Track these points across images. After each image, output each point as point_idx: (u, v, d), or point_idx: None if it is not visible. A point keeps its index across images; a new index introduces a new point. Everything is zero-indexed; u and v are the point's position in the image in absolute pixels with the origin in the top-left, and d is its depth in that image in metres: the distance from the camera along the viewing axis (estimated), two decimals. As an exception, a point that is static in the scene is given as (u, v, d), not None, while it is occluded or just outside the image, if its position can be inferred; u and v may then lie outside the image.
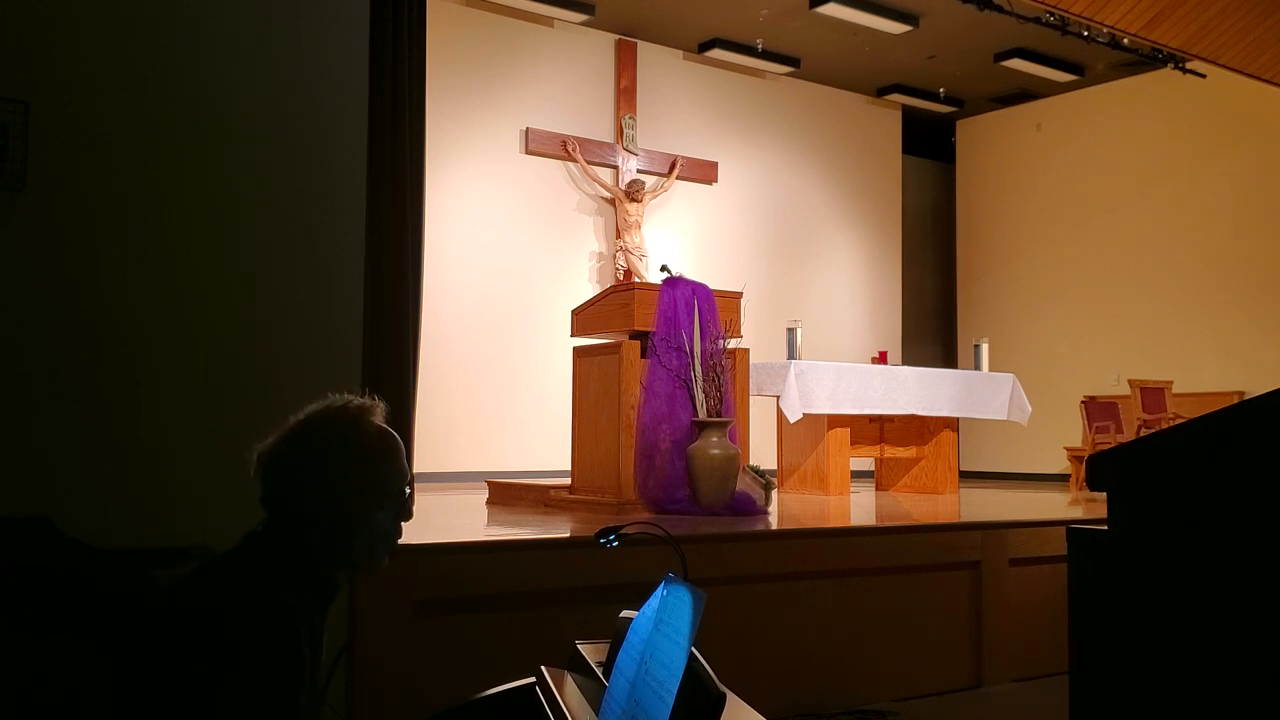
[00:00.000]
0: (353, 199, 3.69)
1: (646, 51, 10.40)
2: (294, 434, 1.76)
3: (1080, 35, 9.08)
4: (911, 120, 12.24)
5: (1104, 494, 2.07)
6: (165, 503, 3.19)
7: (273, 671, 1.56)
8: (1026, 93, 11.69)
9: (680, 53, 10.65)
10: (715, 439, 5.20)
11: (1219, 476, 1.89)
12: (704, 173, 10.65)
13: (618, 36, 10.24)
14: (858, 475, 8.09)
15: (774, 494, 5.65)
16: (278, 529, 1.73)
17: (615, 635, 1.78)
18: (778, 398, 6.72)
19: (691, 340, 5.33)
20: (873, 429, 7.42)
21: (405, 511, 1.81)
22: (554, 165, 9.87)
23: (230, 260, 3.45)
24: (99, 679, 1.64)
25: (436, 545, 3.70)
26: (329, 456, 1.74)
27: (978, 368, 7.90)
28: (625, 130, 10.15)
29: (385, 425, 1.81)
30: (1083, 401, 9.46)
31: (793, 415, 6.61)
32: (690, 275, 5.68)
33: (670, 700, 1.37)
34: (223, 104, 3.47)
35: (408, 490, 1.82)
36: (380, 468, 1.78)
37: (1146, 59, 9.83)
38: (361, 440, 1.77)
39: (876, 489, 7.90)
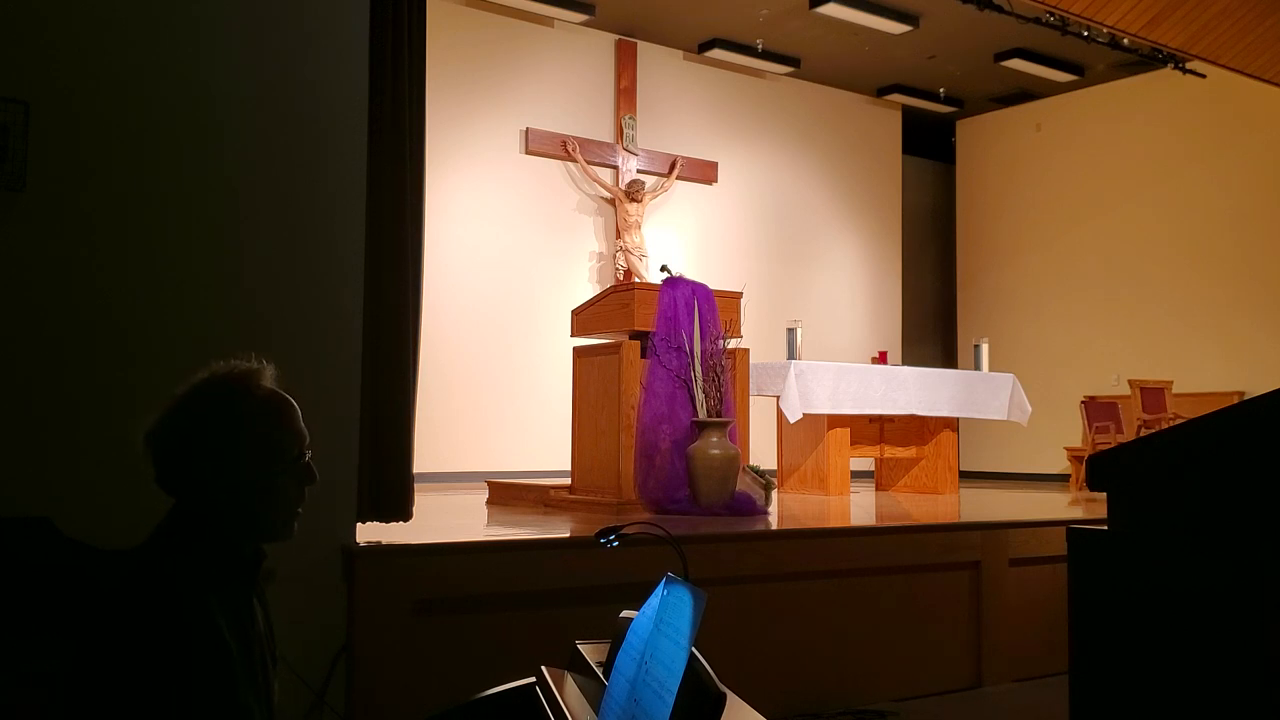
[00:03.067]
0: (353, 199, 3.69)
1: (646, 51, 10.39)
2: (179, 406, 1.70)
3: (1080, 35, 9.08)
4: (911, 120, 12.24)
5: (1104, 494, 2.07)
6: (165, 503, 3.19)
7: (195, 658, 1.52)
8: (1026, 93, 11.69)
9: (680, 53, 10.65)
10: (715, 439, 5.20)
11: (1219, 476, 1.89)
12: (704, 173, 10.65)
13: (618, 36, 10.24)
14: (858, 475, 8.10)
15: (774, 494, 5.65)
16: (180, 512, 1.68)
17: (615, 635, 1.78)
18: (778, 398, 6.72)
19: (691, 340, 5.33)
20: (873, 429, 7.42)
21: (307, 476, 1.74)
22: (554, 165, 9.87)
23: (230, 260, 3.44)
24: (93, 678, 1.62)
25: (436, 545, 3.70)
26: (216, 423, 1.67)
27: (978, 368, 7.90)
28: (625, 130, 10.15)
29: (275, 388, 1.75)
30: (1083, 401, 9.46)
31: (793, 415, 6.61)
32: (690, 275, 5.68)
33: (670, 700, 1.37)
34: (223, 104, 3.47)
35: (307, 454, 1.74)
36: (271, 431, 1.71)
37: (1146, 59, 9.83)
38: (249, 404, 1.70)
39: (876, 489, 7.90)
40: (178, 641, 1.52)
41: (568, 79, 9.98)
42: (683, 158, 10.44)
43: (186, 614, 1.54)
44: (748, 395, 5.98)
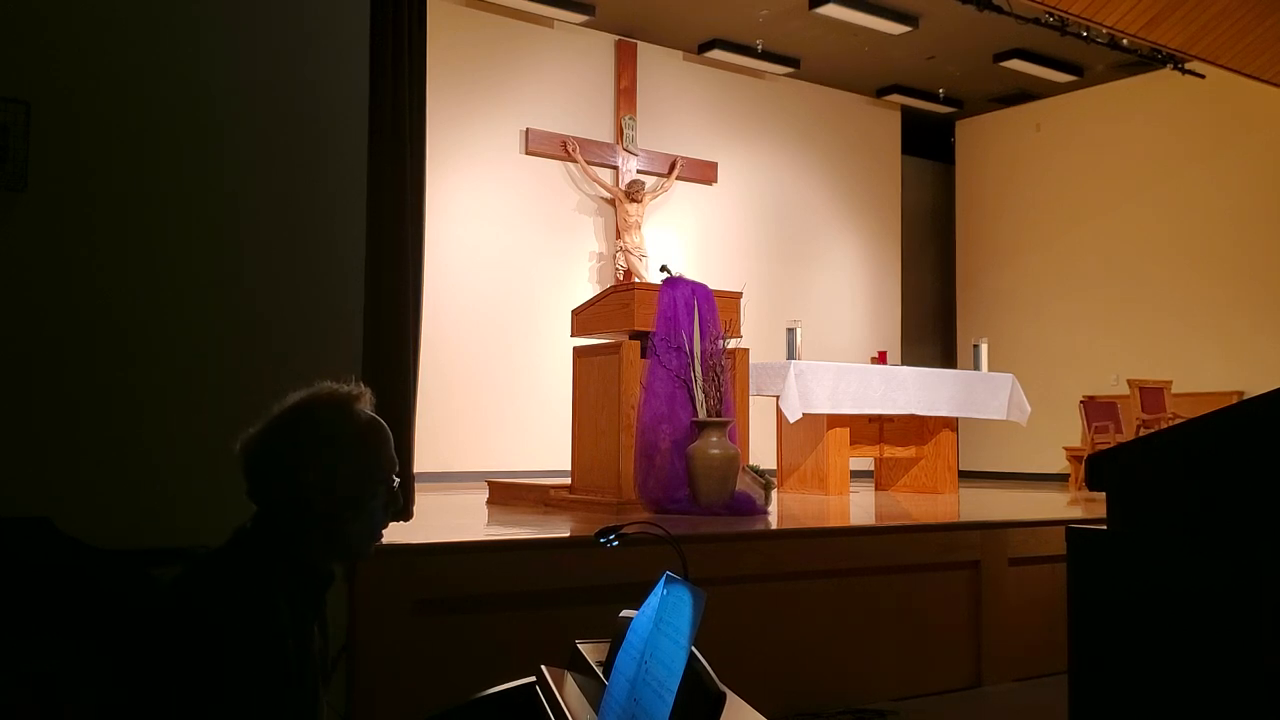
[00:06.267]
0: (353, 199, 3.69)
1: (646, 52, 10.40)
2: (280, 422, 1.73)
3: (1080, 36, 9.08)
4: (911, 120, 12.24)
5: (1103, 494, 2.07)
6: (165, 503, 3.19)
7: (256, 669, 1.55)
8: (1026, 93, 11.69)
9: (680, 53, 10.65)
10: (715, 439, 5.20)
11: (1219, 476, 1.89)
12: (704, 173, 10.65)
13: (618, 37, 10.24)
14: (857, 475, 8.09)
15: (774, 494, 5.65)
16: (266, 523, 1.71)
17: (615, 635, 1.78)
18: (777, 398, 6.72)
19: (691, 340, 5.33)
20: (872, 429, 7.42)
21: (394, 500, 1.80)
22: (554, 165, 9.87)
23: (230, 260, 3.44)
24: (99, 679, 1.63)
25: (436, 545, 3.70)
26: (319, 444, 1.71)
27: (977, 368, 7.90)
28: (625, 130, 10.15)
29: (373, 413, 1.80)
30: (1082, 401, 9.46)
31: (792, 415, 6.61)
32: (690, 275, 5.68)
33: (670, 700, 1.37)
34: (223, 104, 3.47)
35: (397, 480, 1.80)
36: (371, 455, 1.76)
37: (1146, 59, 9.83)
38: (350, 427, 1.75)
39: (876, 489, 7.89)
40: (245, 649, 1.55)
41: (568, 79, 9.98)
42: (682, 158, 10.44)
43: (259, 623, 1.58)
44: (747, 395, 5.98)
